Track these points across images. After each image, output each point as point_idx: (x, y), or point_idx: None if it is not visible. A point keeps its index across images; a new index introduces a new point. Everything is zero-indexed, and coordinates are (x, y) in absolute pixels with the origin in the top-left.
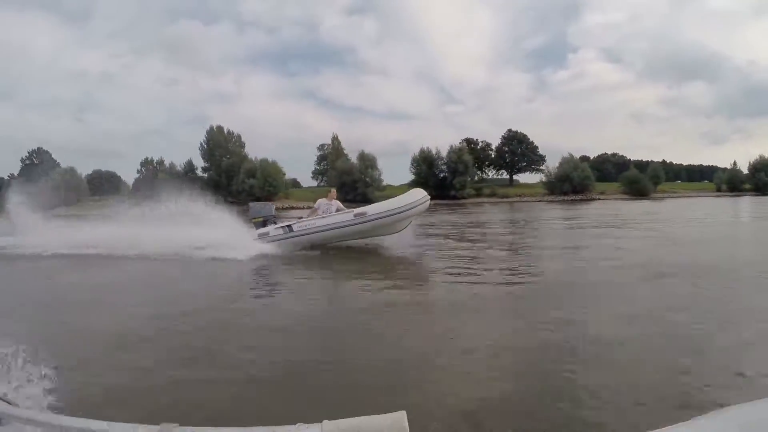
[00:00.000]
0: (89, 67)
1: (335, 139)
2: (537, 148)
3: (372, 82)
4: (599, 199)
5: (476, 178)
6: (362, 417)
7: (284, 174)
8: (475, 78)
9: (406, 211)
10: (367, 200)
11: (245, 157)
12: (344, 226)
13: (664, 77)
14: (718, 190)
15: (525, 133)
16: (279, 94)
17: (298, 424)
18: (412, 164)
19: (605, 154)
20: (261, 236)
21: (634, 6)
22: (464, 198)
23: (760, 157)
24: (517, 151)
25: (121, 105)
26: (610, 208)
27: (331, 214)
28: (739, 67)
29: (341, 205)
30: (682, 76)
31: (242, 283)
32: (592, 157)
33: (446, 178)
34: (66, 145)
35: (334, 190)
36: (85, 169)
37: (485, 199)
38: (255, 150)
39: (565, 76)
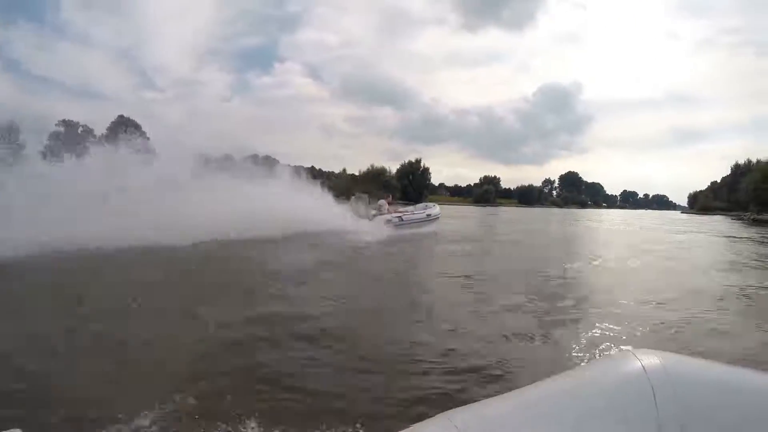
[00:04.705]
0: None
1: None
2: (148, 140)
3: (69, 49)
4: None
5: None
6: None
7: None
8: (179, 67)
9: (438, 215)
10: None
11: None
12: (424, 220)
13: (357, 99)
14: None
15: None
16: None
17: None
18: None
19: (256, 155)
20: (386, 222)
21: (349, 33)
22: None
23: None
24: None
25: None
26: None
27: (408, 212)
28: (425, 102)
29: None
30: (374, 100)
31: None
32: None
33: None
34: None
35: (390, 196)
36: None
37: None
38: None
39: (268, 82)
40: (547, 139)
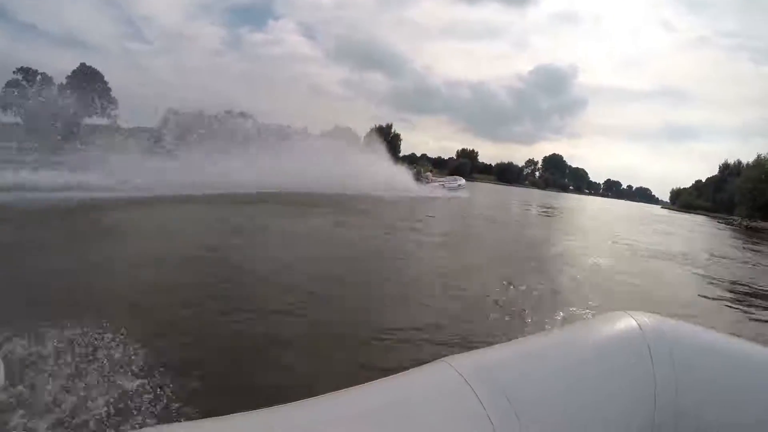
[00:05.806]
0: None
1: None
2: (110, 90)
3: None
4: None
5: None
6: None
7: None
8: (169, 18)
9: (464, 185)
10: None
11: None
12: (457, 188)
13: (349, 62)
14: None
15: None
16: None
17: None
18: None
19: (230, 111)
20: (435, 188)
21: None
22: None
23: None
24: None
25: None
26: None
27: (447, 181)
28: (417, 70)
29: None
30: (366, 64)
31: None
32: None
33: None
34: None
35: (433, 170)
36: None
37: None
38: None
39: (261, 39)
40: (538, 120)
